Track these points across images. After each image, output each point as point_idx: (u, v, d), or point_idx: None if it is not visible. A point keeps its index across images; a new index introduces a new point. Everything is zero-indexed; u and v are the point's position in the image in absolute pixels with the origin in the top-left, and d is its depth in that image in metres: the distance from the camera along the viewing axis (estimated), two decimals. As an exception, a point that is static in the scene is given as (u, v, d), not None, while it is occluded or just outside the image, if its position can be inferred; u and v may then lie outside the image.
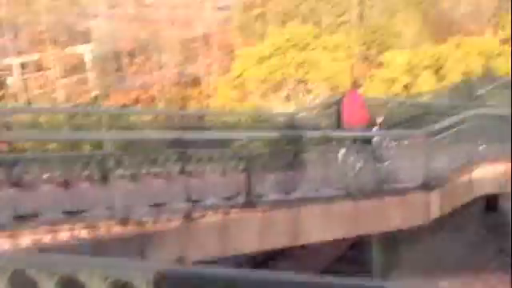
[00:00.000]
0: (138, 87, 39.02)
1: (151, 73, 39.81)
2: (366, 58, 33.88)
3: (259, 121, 17.09)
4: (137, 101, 37.89)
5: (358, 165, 11.72)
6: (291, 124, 15.65)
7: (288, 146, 11.42)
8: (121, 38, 42.20)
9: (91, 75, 40.98)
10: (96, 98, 37.91)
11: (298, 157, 11.54)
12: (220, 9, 47.19)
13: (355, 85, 14.46)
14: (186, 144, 10.14)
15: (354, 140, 12.14)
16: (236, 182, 9.90)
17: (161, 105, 38.08)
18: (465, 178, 13.48)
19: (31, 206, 7.90)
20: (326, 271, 14.07)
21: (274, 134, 12.31)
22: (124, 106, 36.00)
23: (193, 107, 38.81)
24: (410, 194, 12.14)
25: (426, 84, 29.39)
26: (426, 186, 12.25)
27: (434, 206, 12.29)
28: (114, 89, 39.76)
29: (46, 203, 8.16)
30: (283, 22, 42.28)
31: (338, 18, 43.27)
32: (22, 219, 7.70)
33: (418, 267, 14.27)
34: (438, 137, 12.76)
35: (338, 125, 12.70)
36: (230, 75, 30.35)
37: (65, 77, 38.40)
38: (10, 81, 38.01)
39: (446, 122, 13.29)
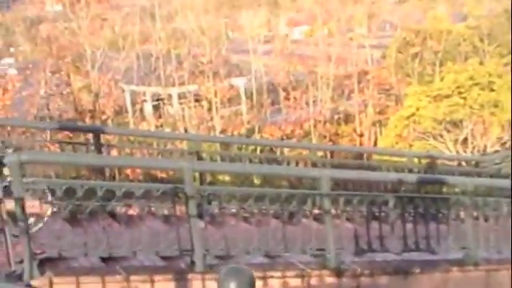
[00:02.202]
0: (293, 122, 38.55)
1: (306, 108, 39.27)
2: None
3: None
4: (291, 135, 37.37)
5: None
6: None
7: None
8: (276, 73, 42.16)
9: (246, 107, 41.14)
10: (251, 130, 37.84)
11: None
12: (375, 47, 46.30)
13: None
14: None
15: None
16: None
17: (314, 141, 37.30)
18: None
19: (226, 247, 7.10)
20: None
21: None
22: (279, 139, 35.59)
23: (345, 144, 37.76)
24: None
25: None
26: None
27: None
28: (268, 122, 39.61)
29: (244, 243, 7.29)
30: (442, 62, 40.75)
31: (501, 58, 41.06)
32: (221, 260, 6.95)
33: None
34: None
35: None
36: (399, 113, 29.07)
37: (221, 108, 38.61)
38: (170, 110, 38.77)
39: None
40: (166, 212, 8.24)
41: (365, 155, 17.29)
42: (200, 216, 6.88)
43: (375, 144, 36.28)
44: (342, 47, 42.48)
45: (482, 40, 43.98)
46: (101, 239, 6.66)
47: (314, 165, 11.83)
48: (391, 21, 76.35)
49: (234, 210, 8.41)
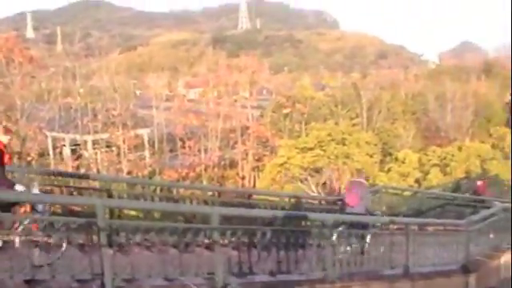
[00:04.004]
0: (187, 166, 38.24)
1: (198, 155, 39.12)
2: (384, 155, 33.26)
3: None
4: (186, 177, 36.98)
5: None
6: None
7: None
8: (175, 125, 42.00)
9: (149, 153, 40.56)
10: (153, 172, 37.17)
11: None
12: (255, 108, 47.30)
13: None
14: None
15: None
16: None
17: (204, 182, 37.11)
18: (494, 263, 12.43)
19: (131, 271, 6.99)
20: None
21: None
22: (176, 180, 35.13)
23: (230, 186, 37.80)
24: (453, 277, 10.96)
25: (434, 179, 28.71)
26: (466, 270, 11.16)
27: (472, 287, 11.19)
28: (167, 166, 39.09)
29: (146, 269, 7.22)
30: (307, 121, 42.19)
31: (351, 120, 43.11)
32: (127, 282, 6.80)
33: None
34: (476, 226, 11.82)
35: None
36: (274, 161, 29.56)
37: (128, 153, 37.74)
38: (85, 154, 37.40)
39: (482, 214, 12.51)
40: (80, 241, 7.91)
41: (246, 195, 17.37)
42: (110, 245, 6.65)
43: (254, 186, 36.58)
44: (229, 107, 42.98)
45: (336, 105, 46.05)
46: (25, 264, 6.29)
47: (205, 202, 11.76)
48: (268, 87, 78.60)
49: (138, 240, 8.21)
